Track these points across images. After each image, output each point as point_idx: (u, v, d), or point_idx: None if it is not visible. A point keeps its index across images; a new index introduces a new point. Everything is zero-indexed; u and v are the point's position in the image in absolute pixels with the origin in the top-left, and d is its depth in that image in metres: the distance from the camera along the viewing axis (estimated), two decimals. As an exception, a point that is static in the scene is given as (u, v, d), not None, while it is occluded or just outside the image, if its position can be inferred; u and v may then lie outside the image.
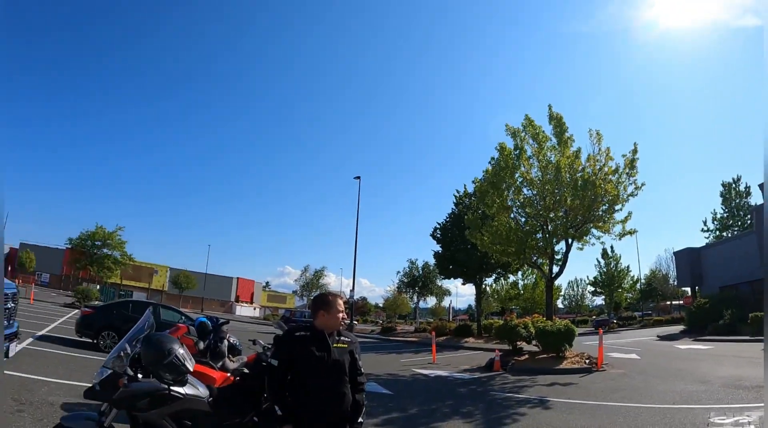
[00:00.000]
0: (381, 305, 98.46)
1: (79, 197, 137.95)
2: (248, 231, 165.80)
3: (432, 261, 46.29)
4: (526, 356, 19.33)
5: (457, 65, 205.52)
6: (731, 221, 55.22)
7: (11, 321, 7.49)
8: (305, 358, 3.51)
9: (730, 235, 50.92)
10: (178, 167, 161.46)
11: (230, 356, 8.16)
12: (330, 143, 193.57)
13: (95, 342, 15.54)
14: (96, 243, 55.85)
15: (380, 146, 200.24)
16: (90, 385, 4.11)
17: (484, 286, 41.91)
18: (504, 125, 21.74)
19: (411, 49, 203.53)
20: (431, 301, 74.50)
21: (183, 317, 16.65)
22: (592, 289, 64.88)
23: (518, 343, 20.42)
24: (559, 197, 20.16)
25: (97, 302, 29.67)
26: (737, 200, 55.52)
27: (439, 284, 63.61)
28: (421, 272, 60.71)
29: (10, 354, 7.24)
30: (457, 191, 39.04)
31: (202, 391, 4.39)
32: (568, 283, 75.01)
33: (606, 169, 20.00)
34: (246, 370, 5.78)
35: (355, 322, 54.45)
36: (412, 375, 16.21)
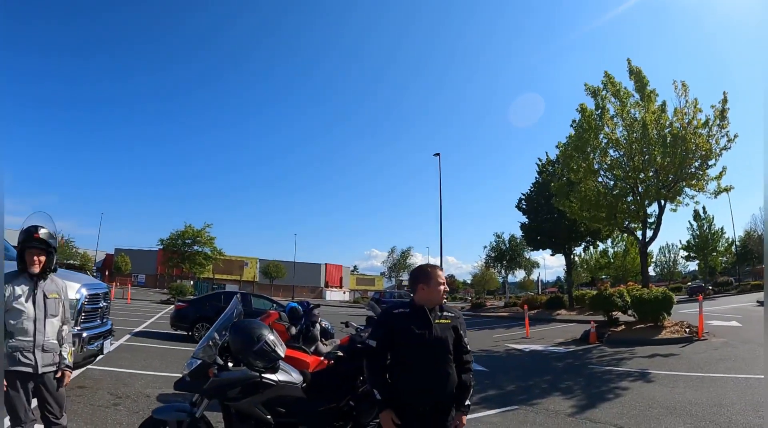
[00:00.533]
0: (469, 281, 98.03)
1: (167, 198, 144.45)
2: (332, 217, 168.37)
3: (519, 234, 45.48)
4: (623, 326, 18.45)
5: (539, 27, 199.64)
6: None
7: (105, 320, 7.72)
8: (405, 337, 3.26)
9: None
10: (260, 161, 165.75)
11: (323, 339, 8.27)
12: (408, 123, 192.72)
13: (190, 333, 16.08)
14: (186, 241, 58.08)
15: (460, 120, 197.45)
16: (180, 376, 4.09)
17: (573, 256, 40.75)
18: (583, 86, 20.72)
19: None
20: (519, 275, 73.51)
21: (274, 305, 16.89)
22: (685, 254, 61.96)
23: (613, 313, 19.52)
24: (648, 156, 18.96)
25: (190, 297, 30.89)
26: None
27: (527, 256, 62.57)
28: (508, 246, 59.67)
29: (105, 351, 7.45)
30: (540, 160, 37.73)
31: (295, 377, 4.28)
32: (659, 249, 72.99)
33: (695, 122, 18.55)
34: (340, 353, 5.65)
35: (444, 301, 54.29)
36: (506, 351, 15.99)
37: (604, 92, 20.25)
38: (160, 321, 22.26)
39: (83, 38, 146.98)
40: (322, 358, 6.87)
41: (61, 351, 4.25)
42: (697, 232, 56.41)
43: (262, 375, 3.93)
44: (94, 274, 77.89)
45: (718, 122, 18.42)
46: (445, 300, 3.50)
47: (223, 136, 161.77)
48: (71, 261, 74.46)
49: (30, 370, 4.00)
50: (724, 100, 18.39)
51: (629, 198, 20.33)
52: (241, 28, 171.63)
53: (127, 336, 15.52)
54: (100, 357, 7.65)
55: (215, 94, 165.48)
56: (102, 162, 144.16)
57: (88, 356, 6.94)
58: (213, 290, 45.87)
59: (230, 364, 3.98)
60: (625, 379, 10.19)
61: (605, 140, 20.18)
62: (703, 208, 55.93)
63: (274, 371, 4.08)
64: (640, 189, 19.81)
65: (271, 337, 4.01)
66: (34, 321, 4.07)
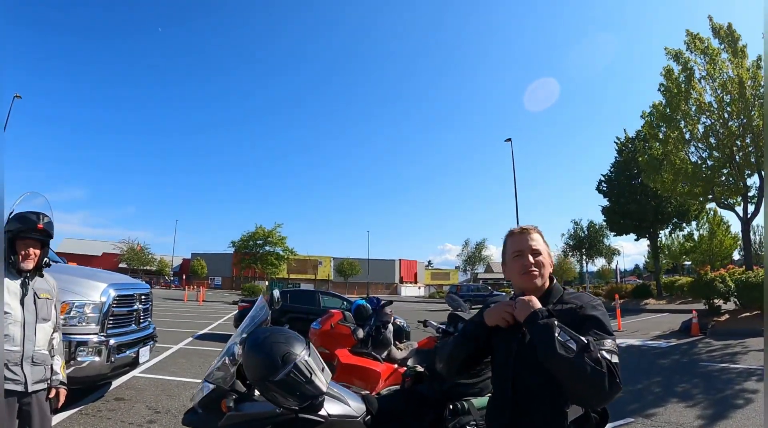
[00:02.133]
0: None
1: (242, 201, 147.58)
2: (405, 213, 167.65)
3: (597, 219, 43.25)
4: (726, 315, 16.50)
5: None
6: None
7: (144, 324, 6.96)
8: (495, 342, 2.25)
9: None
10: (328, 162, 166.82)
11: (397, 342, 7.17)
12: (476, 111, 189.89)
13: None
14: (257, 242, 58.41)
15: (527, 105, 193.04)
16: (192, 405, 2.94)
17: (659, 240, 38.39)
18: (663, 50, 18.85)
19: None
20: (598, 263, 70.55)
21: (345, 303, 15.75)
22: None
23: (714, 301, 17.55)
24: (745, 120, 17.04)
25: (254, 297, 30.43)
26: None
27: (607, 243, 59.81)
28: (586, 232, 57.23)
29: (142, 360, 6.66)
30: (618, 138, 35.57)
31: (353, 406, 3.09)
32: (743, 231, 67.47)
33: None
34: (420, 368, 4.25)
35: (565, 288, 52.42)
36: None
37: (687, 54, 18.45)
38: (228, 322, 21.55)
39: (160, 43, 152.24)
40: (396, 366, 5.90)
41: (52, 365, 3.35)
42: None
43: (300, 412, 2.72)
44: (171, 278, 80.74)
45: None
46: (567, 288, 2.25)
47: (291, 137, 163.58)
48: (148, 267, 77.05)
49: (19, 388, 3.09)
50: None
51: (725, 170, 18.49)
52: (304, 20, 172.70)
53: (189, 339, 14.77)
54: (142, 367, 6.77)
55: (285, 94, 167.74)
56: (174, 168, 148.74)
57: (118, 366, 6.15)
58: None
59: (256, 391, 2.88)
60: (748, 379, 8.63)
61: (694, 107, 18.37)
62: None
63: (317, 407, 2.79)
64: (737, 159, 17.85)
65: (305, 358, 2.66)
66: (23, 326, 3.17)
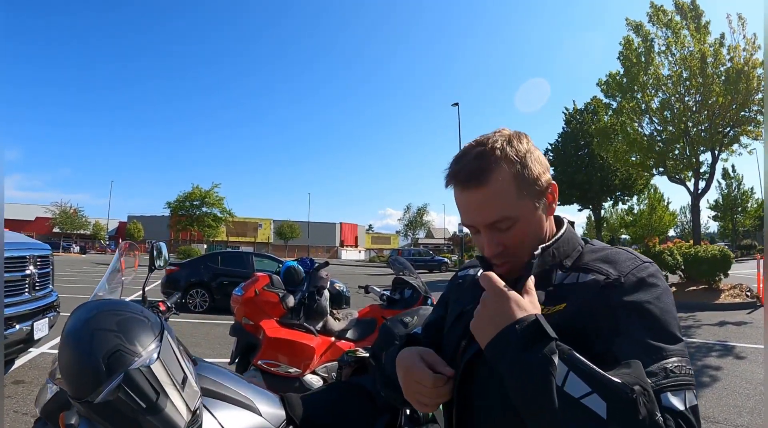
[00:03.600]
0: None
1: (179, 161, 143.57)
2: (346, 177, 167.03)
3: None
4: (673, 288, 16.40)
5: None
6: None
7: (42, 291, 5.75)
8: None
9: None
10: (274, 123, 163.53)
11: (335, 311, 6.09)
12: (422, 72, 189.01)
13: (182, 301, 13.56)
14: (194, 203, 56.20)
15: (481, 69, 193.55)
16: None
17: (602, 212, 38.76)
18: (624, 20, 18.69)
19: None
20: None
21: (279, 265, 13.98)
22: (712, 214, 59.41)
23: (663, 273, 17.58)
24: (701, 97, 17.04)
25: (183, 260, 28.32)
26: None
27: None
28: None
29: (38, 336, 5.41)
30: (566, 109, 35.68)
31: (266, 412, 2.08)
32: (680, 208, 72.08)
33: (752, 62, 16.46)
34: (362, 352, 3.14)
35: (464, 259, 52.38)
36: None
37: (648, 27, 18.32)
38: (158, 288, 19.86)
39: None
40: (333, 339, 4.94)
41: None
42: (726, 191, 54.23)
43: None
44: (107, 242, 77.61)
45: None
46: (591, 241, 1.25)
47: (232, 92, 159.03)
48: (83, 231, 73.97)
49: None
50: None
51: (679, 145, 18.53)
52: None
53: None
54: (53, 341, 5.75)
55: (223, 52, 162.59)
56: (109, 128, 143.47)
57: (6, 344, 5.01)
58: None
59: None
60: (708, 355, 8.37)
61: (651, 80, 18.29)
62: (732, 167, 53.98)
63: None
64: (691, 134, 17.92)
65: (149, 361, 1.49)
66: None
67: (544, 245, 1.16)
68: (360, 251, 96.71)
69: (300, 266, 5.91)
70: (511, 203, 1.10)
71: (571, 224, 1.28)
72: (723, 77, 16.57)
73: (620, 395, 0.85)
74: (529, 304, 0.98)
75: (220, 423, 1.85)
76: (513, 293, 0.99)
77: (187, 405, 1.53)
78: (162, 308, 2.70)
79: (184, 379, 1.57)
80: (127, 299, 2.10)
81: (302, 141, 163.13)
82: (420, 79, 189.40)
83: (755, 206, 54.52)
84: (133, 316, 1.60)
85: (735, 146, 18.31)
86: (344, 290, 9.40)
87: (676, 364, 0.95)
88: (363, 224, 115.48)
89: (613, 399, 0.85)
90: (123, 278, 2.18)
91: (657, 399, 0.89)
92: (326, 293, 5.66)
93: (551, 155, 36.01)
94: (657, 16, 17.95)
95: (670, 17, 17.81)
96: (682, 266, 16.52)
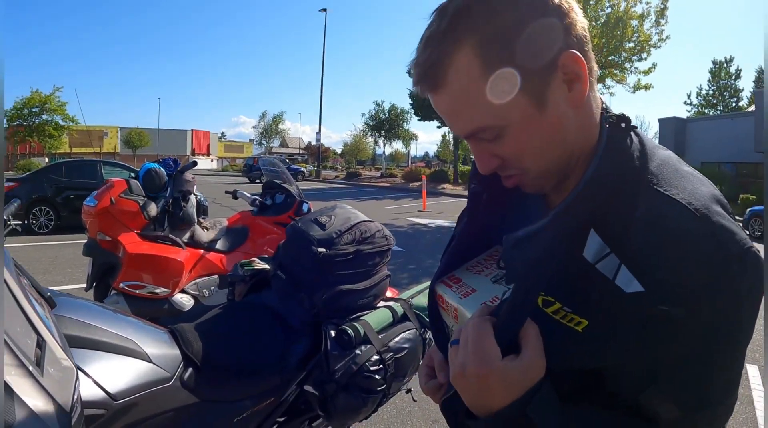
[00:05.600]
0: (339, 151, 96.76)
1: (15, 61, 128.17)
2: (198, 82, 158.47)
3: (401, 104, 43.63)
4: None
5: None
6: (715, 100, 55.05)
7: None
8: None
9: (712, 113, 51.56)
10: (113, 17, 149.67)
11: (201, 219, 5.40)
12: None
13: (25, 223, 11.80)
14: (33, 110, 49.73)
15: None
16: None
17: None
18: None
19: None
20: (396, 146, 72.71)
21: (132, 174, 12.53)
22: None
23: None
24: None
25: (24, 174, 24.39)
26: (725, 80, 54.93)
27: (407, 128, 61.04)
28: (388, 115, 57.68)
29: None
30: (438, 24, 35.21)
31: (155, 355, 1.51)
32: None
33: (630, 13, 17.75)
34: (259, 262, 2.37)
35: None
36: (410, 226, 14.67)
37: None
38: None
39: None
40: (202, 251, 4.39)
41: None
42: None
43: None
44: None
45: (654, 18, 17.91)
46: (657, 177, 0.73)
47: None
48: None
49: None
50: None
51: None
52: None
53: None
54: None
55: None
56: None
57: None
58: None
59: None
60: None
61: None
62: (604, 108, 59.71)
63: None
64: None
65: None
66: None
67: (563, 205, 0.74)
68: (212, 160, 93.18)
69: (162, 168, 5.16)
70: (487, 104, 0.71)
71: (626, 121, 0.79)
72: (602, 21, 17.53)
73: None
74: (517, 381, 0.67)
75: (98, 384, 1.24)
76: (497, 363, 0.67)
77: (54, 400, 0.83)
78: None
79: (41, 348, 0.88)
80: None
81: (152, 41, 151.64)
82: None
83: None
84: None
85: (599, 86, 19.18)
86: (202, 199, 8.60)
87: None
88: (215, 131, 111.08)
89: None
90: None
91: None
92: (193, 198, 5.03)
93: (416, 69, 35.83)
94: None
95: None
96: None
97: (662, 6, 17.68)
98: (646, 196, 0.70)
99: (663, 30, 17.89)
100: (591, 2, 17.45)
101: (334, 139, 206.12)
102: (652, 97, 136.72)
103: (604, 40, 17.23)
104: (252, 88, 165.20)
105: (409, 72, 0.79)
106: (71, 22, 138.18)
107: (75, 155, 66.59)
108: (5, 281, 0.84)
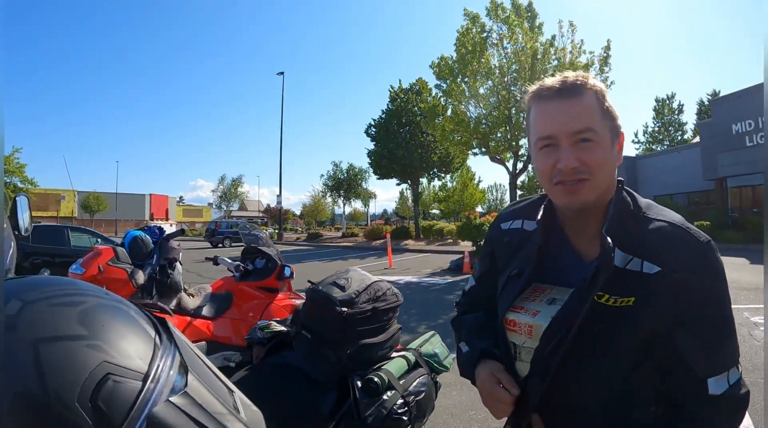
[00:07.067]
0: (298, 213, 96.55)
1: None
2: (156, 144, 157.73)
3: (358, 163, 44.14)
4: None
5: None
6: (661, 136, 58.32)
7: None
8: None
9: (659, 148, 54.24)
10: (72, 82, 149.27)
11: (186, 286, 5.46)
12: (246, 40, 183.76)
13: None
14: (-10, 172, 48.69)
15: (308, 39, 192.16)
16: None
17: (420, 187, 40.40)
18: (462, 10, 20.16)
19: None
20: (356, 205, 72.90)
21: (99, 240, 12.89)
22: (520, 193, 65.65)
23: (481, 243, 19.15)
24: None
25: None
26: (669, 116, 58.34)
27: (365, 187, 61.56)
28: (346, 175, 58.15)
29: None
30: (392, 87, 36.36)
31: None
32: (488, 186, 77.39)
33: (576, 63, 18.86)
34: (276, 324, 2.54)
35: (276, 230, 51.79)
36: None
37: (484, 20, 19.99)
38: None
39: None
40: (189, 318, 4.39)
41: None
42: (531, 173, 59.70)
43: None
44: None
45: (598, 66, 19.16)
46: (644, 202, 1.28)
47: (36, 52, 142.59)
48: None
49: None
50: (608, 47, 19.17)
51: (502, 128, 20.30)
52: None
53: None
54: None
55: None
56: None
57: None
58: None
59: None
60: None
61: (481, 68, 19.86)
62: None
63: None
64: (513, 121, 19.77)
65: (189, 387, 0.75)
66: None
67: (606, 226, 1.18)
68: (171, 225, 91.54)
69: (147, 236, 5.27)
70: (598, 120, 1.17)
71: (621, 181, 1.28)
72: (550, 73, 18.26)
73: None
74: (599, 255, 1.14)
75: None
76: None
77: None
78: None
79: (232, 395, 0.88)
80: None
81: (110, 105, 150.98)
82: (243, 47, 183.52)
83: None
84: (100, 301, 0.79)
85: None
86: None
87: (737, 381, 1.14)
88: (174, 195, 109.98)
89: None
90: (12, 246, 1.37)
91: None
92: (179, 266, 5.12)
93: (374, 130, 36.82)
94: (495, 11, 19.57)
95: (508, 14, 19.54)
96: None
97: (605, 54, 18.93)
98: (645, 222, 1.19)
99: (607, 77, 19.09)
100: (539, 57, 18.52)
101: (293, 200, 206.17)
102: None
103: None
104: (210, 151, 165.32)
105: (548, 88, 1.22)
106: (30, 84, 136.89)
107: (33, 219, 64.45)
108: (185, 342, 0.88)
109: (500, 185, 77.87)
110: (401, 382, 2.21)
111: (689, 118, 60.39)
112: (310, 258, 23.42)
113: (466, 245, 23.28)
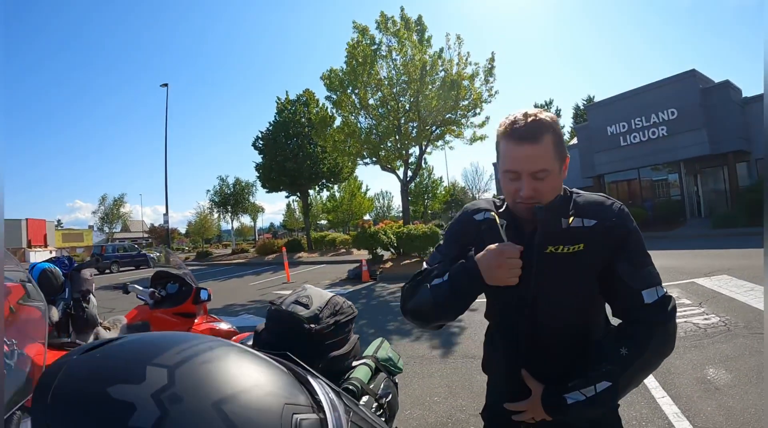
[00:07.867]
0: (183, 231, 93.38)
1: None
2: (31, 163, 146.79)
3: (245, 177, 43.33)
4: (390, 263, 19.15)
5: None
6: None
7: None
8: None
9: None
10: None
11: (103, 321, 5.14)
12: (132, 52, 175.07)
13: None
14: None
15: (192, 55, 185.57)
16: None
17: (310, 199, 40.22)
18: (351, 23, 20.55)
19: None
20: (244, 220, 71.28)
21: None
22: (409, 199, 67.03)
23: (377, 251, 20.25)
24: (414, 99, 19.78)
25: None
26: None
27: (253, 201, 60.49)
28: (233, 189, 56.86)
29: None
30: (279, 98, 36.05)
31: None
32: (375, 195, 77.46)
33: (462, 75, 19.93)
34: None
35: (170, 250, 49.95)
36: None
37: (374, 32, 20.49)
38: None
39: None
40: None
41: None
42: (418, 180, 61.62)
43: None
44: None
45: (483, 77, 20.21)
46: (575, 191, 1.76)
47: None
48: None
49: None
50: (492, 59, 20.20)
51: (392, 138, 20.91)
52: None
53: None
54: None
55: None
56: None
57: None
58: None
59: None
60: None
61: (371, 80, 20.39)
62: (424, 159, 62.19)
63: None
64: (402, 130, 20.55)
65: None
66: None
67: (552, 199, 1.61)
68: (51, 251, 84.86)
69: (57, 268, 5.00)
70: (551, 160, 1.56)
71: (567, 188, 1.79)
72: (437, 84, 19.68)
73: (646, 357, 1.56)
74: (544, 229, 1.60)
75: None
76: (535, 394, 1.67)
77: None
78: None
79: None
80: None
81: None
82: (126, 59, 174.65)
83: (443, 192, 65.56)
84: (229, 348, 0.79)
85: (440, 142, 21.74)
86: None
87: (656, 274, 1.60)
88: (51, 219, 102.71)
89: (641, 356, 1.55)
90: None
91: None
92: (93, 298, 4.88)
93: (261, 142, 36.26)
94: (385, 24, 20.13)
95: (398, 27, 20.12)
96: (395, 244, 19.39)
97: (489, 66, 19.93)
98: (579, 197, 1.68)
99: (492, 86, 20.14)
100: (427, 68, 19.22)
101: (177, 218, 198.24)
102: (486, 147, 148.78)
103: (441, 102, 19.17)
104: (87, 170, 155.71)
105: (514, 131, 1.56)
106: None
107: None
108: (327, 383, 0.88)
109: (387, 192, 78.84)
110: (371, 387, 2.38)
111: (566, 121, 64.71)
112: (204, 278, 22.56)
113: (362, 254, 23.68)
